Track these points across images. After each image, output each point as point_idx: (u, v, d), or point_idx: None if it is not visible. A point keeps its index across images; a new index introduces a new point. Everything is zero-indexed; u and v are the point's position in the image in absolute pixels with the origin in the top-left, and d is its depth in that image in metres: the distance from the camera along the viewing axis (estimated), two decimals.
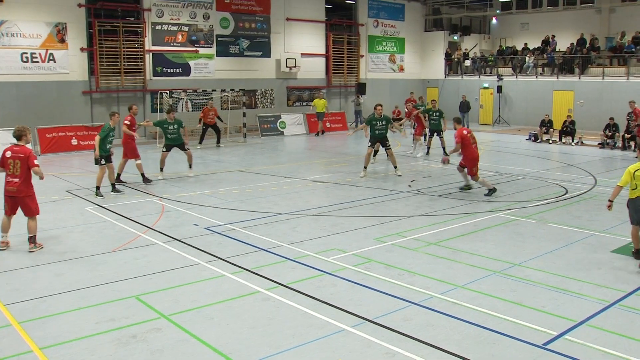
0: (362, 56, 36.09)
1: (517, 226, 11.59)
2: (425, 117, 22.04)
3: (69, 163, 20.30)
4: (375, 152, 18.70)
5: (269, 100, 31.77)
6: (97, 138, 14.23)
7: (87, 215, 12.58)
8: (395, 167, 17.48)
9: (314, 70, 33.58)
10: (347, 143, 26.39)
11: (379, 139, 17.36)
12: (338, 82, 34.97)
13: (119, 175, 15.99)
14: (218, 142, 24.89)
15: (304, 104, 33.17)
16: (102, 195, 14.13)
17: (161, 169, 16.96)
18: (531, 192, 14.94)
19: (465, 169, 14.78)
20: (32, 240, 10.20)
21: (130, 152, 16.20)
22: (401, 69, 38.51)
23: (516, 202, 13.77)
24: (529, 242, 10.50)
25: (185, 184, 16.03)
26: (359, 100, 32.41)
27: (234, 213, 12.70)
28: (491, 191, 14.52)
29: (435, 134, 21.80)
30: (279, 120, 29.92)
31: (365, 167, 17.38)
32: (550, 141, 26.61)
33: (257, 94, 31.25)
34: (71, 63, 25.17)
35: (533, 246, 10.23)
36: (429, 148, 21.96)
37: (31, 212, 10.21)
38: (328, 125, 30.60)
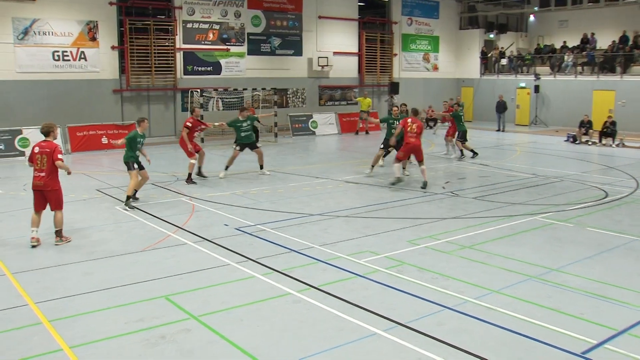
0: (396, 55, 35.97)
1: (555, 230, 11.44)
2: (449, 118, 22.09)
3: (99, 162, 20.61)
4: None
5: (300, 99, 31.85)
6: (123, 139, 13.79)
7: (117, 215, 12.74)
8: (404, 168, 17.60)
9: (346, 69, 33.57)
10: (380, 143, 26.24)
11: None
12: (371, 81, 34.90)
13: (199, 168, 16.68)
14: (257, 140, 25.05)
15: (336, 103, 33.19)
16: (133, 207, 13.23)
17: (227, 167, 17.16)
18: (569, 195, 14.73)
19: (422, 165, 15.78)
20: (58, 234, 10.58)
21: (188, 152, 16.24)
22: (435, 68, 38.30)
23: (554, 206, 13.58)
24: (567, 246, 10.35)
25: (216, 184, 16.14)
26: (392, 100, 32.33)
27: (265, 213, 12.75)
28: (397, 181, 15.65)
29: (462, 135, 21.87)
30: (311, 120, 29.97)
31: (372, 166, 17.80)
32: (590, 143, 26.20)
33: (288, 93, 31.34)
34: (102, 61, 25.54)
35: (571, 251, 10.08)
36: (466, 150, 21.57)
37: (56, 205, 10.57)
38: (360, 125, 30.56)
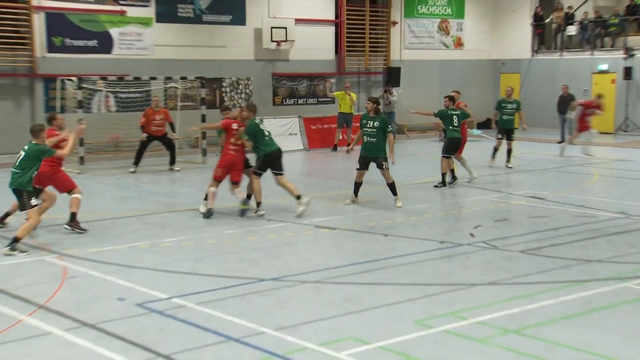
0: (395, 23, 36.29)
1: None
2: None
3: None
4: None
5: (243, 95, 31.94)
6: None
7: None
8: (395, 195, 18.47)
9: (316, 47, 33.82)
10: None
11: (370, 156, 18.49)
12: (356, 66, 35.19)
13: (7, 214, 16.05)
14: (172, 162, 24.88)
15: (301, 101, 33.32)
16: (25, 251, 13.96)
17: (259, 204, 17.65)
18: None
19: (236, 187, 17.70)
20: None
21: (61, 184, 16.01)
22: (458, 44, 38.68)
23: None
24: None
25: (104, 232, 16.05)
26: (389, 96, 32.43)
27: (186, 279, 12.73)
28: (207, 213, 17.31)
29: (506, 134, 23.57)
30: None
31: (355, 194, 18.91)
32: None
33: (224, 85, 31.43)
34: None
35: None
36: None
37: None
38: (340, 136, 30.65)
